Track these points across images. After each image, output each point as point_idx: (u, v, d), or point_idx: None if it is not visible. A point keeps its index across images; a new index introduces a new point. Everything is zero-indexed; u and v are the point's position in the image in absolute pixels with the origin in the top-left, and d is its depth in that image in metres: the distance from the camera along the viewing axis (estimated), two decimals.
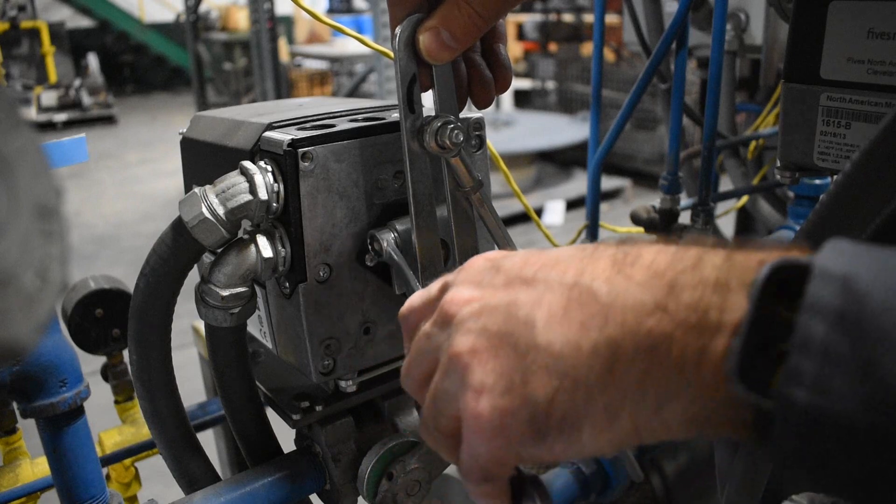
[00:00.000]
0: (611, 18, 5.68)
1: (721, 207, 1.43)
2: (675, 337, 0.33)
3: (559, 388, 0.35)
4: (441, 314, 0.42)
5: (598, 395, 0.35)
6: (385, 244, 0.62)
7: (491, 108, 6.30)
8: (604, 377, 0.34)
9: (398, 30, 0.56)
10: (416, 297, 0.47)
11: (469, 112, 0.66)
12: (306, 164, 0.58)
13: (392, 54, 0.58)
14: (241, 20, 7.86)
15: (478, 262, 0.43)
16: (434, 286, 0.46)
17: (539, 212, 4.93)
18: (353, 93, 5.79)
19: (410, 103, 0.58)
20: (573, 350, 0.35)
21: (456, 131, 0.58)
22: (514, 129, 5.79)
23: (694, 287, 0.33)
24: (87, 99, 8.43)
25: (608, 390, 0.34)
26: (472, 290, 0.41)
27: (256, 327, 0.73)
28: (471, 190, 0.63)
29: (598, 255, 0.38)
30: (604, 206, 1.82)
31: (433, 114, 0.59)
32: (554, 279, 0.38)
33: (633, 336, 0.34)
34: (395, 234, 0.62)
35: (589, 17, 7.61)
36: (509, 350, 0.37)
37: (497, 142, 4.70)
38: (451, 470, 0.69)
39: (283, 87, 5.42)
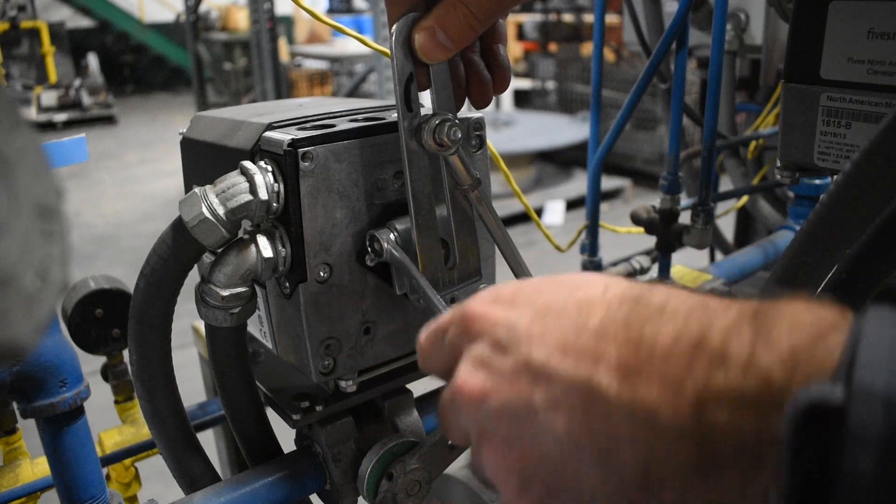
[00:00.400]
0: (611, 18, 5.68)
1: (721, 207, 1.43)
2: (710, 470, 0.31)
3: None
4: (457, 399, 0.40)
5: None
6: (386, 244, 0.62)
7: (491, 108, 6.31)
8: (639, 494, 0.33)
9: (394, 28, 0.56)
10: (427, 336, 0.45)
11: (469, 112, 0.66)
12: (306, 164, 0.58)
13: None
14: (241, 20, 7.86)
15: (482, 324, 0.40)
16: (440, 332, 0.44)
17: (539, 212, 4.93)
18: (353, 93, 5.80)
19: (408, 102, 0.58)
20: (602, 474, 0.34)
21: (454, 128, 0.58)
22: (514, 129, 5.79)
23: (721, 405, 0.30)
24: (87, 99, 8.44)
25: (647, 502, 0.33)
26: (482, 376, 0.39)
27: (256, 327, 0.73)
28: (469, 188, 0.63)
29: (607, 335, 0.34)
30: (604, 206, 1.82)
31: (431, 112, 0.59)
32: (565, 375, 0.35)
33: (662, 464, 0.32)
34: (395, 234, 0.62)
35: (589, 17, 7.61)
36: (537, 466, 0.36)
37: (497, 142, 4.70)
38: (452, 470, 0.69)
39: (283, 87, 5.42)
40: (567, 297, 0.37)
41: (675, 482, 0.32)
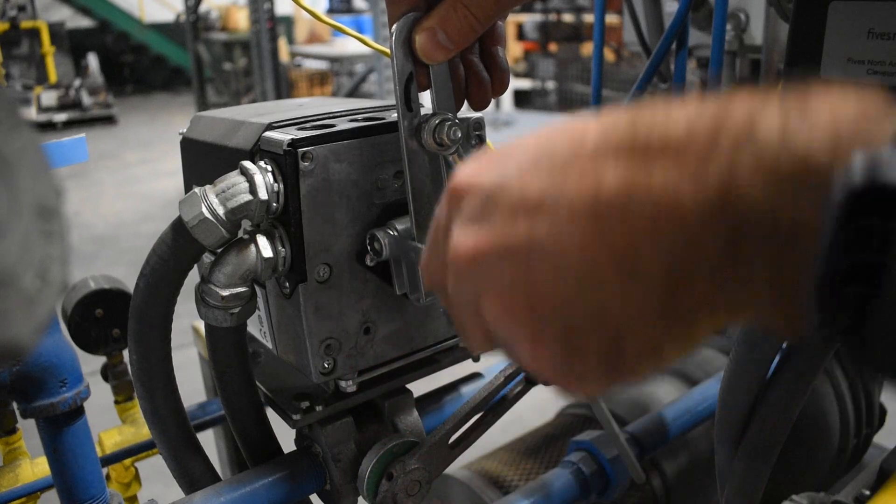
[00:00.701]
0: (611, 18, 5.67)
1: None
2: (739, 258, 0.28)
3: (622, 330, 0.31)
4: (454, 266, 0.37)
5: (666, 322, 0.31)
6: (386, 241, 0.62)
7: (491, 108, 6.31)
8: (667, 301, 0.30)
9: (394, 28, 0.56)
10: (424, 258, 0.43)
11: (469, 112, 0.66)
12: (306, 164, 0.58)
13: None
14: (241, 20, 7.86)
15: (469, 186, 0.36)
16: (434, 234, 0.41)
17: None
18: (353, 93, 5.80)
19: (408, 102, 0.58)
20: (624, 287, 0.30)
21: (454, 128, 0.58)
22: (514, 129, 5.79)
23: (751, 183, 0.27)
24: (87, 99, 8.43)
25: (677, 312, 0.30)
26: (475, 231, 0.35)
27: (256, 327, 0.73)
28: None
29: (609, 146, 0.31)
30: None
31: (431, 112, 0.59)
32: (568, 195, 0.31)
33: (688, 257, 0.29)
34: (396, 234, 0.62)
35: (589, 17, 7.61)
36: (549, 303, 0.33)
37: (497, 142, 4.69)
38: (452, 470, 0.69)
39: (283, 87, 5.42)
40: (558, 136, 0.34)
41: (703, 276, 0.29)
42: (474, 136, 0.67)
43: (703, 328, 0.31)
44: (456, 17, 0.54)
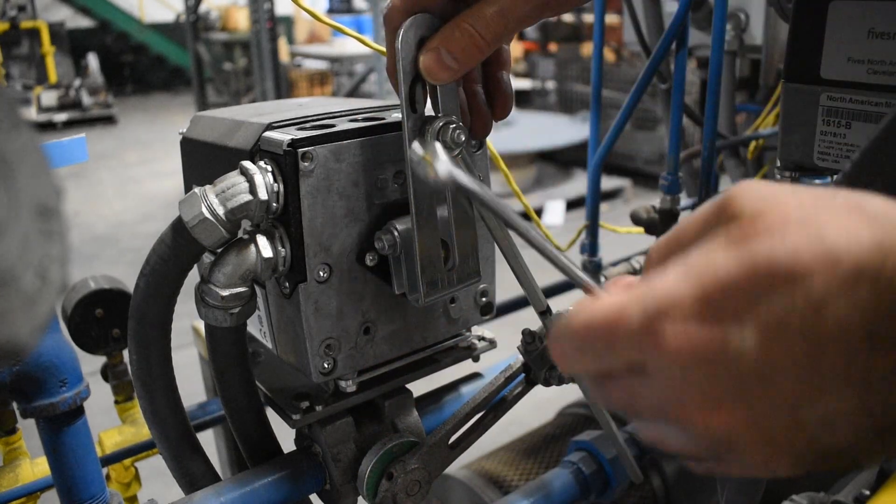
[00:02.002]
0: (611, 18, 5.68)
1: None
2: None
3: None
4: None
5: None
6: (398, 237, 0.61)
7: None
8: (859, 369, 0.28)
9: (401, 29, 0.56)
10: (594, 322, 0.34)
11: None
12: (306, 164, 0.58)
13: None
14: (241, 20, 7.87)
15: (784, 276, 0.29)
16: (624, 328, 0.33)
17: (539, 212, 4.93)
18: (353, 93, 5.80)
19: (413, 103, 0.58)
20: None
21: (458, 131, 0.58)
22: (514, 129, 5.79)
23: None
24: (87, 99, 8.43)
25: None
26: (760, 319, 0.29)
27: (256, 327, 0.73)
28: None
29: (832, 340, 0.28)
30: (604, 206, 1.82)
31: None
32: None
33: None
34: (396, 234, 0.62)
35: (589, 17, 7.61)
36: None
37: (497, 142, 4.70)
38: (452, 470, 0.69)
39: (283, 87, 5.43)
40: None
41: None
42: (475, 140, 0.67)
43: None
44: (461, 36, 0.54)
